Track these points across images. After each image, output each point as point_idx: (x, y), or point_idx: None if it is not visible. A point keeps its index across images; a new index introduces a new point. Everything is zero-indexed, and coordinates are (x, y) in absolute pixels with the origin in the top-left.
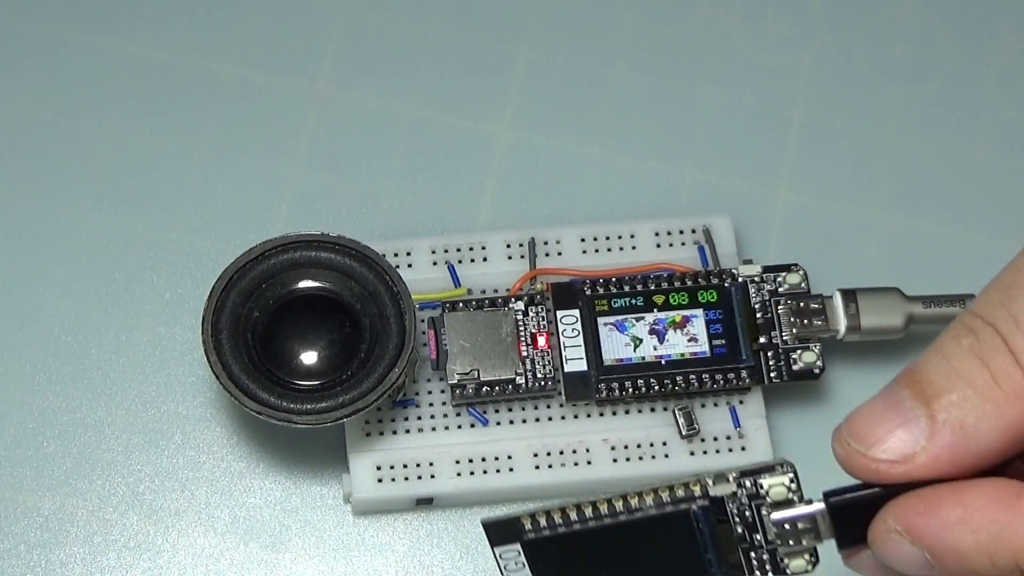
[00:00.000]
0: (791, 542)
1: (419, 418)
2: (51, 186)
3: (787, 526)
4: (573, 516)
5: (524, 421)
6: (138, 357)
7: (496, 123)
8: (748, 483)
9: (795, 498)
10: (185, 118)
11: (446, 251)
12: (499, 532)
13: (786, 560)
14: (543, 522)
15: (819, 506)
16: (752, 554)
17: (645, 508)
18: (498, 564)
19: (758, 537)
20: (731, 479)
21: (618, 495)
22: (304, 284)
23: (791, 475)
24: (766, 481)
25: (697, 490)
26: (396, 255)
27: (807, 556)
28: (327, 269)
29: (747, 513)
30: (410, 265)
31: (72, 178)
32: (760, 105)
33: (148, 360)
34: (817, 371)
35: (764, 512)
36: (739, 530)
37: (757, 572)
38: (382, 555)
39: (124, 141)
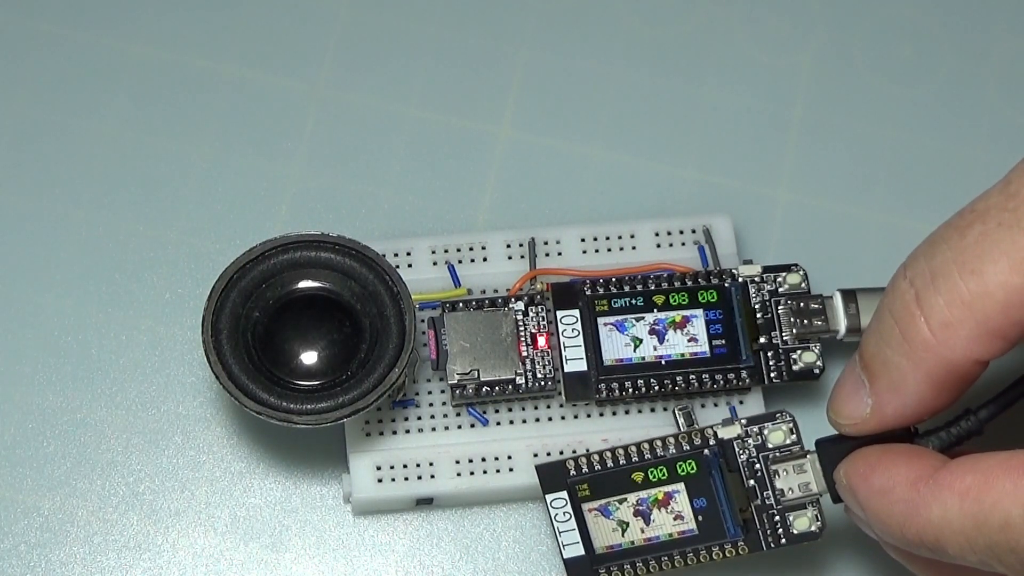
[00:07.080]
0: (790, 492)
1: (419, 418)
2: (51, 186)
3: (786, 472)
4: (608, 459)
5: (524, 421)
6: (138, 357)
7: (496, 123)
8: (754, 429)
9: (793, 445)
10: (185, 118)
11: (446, 251)
12: (549, 477)
13: (792, 520)
14: (584, 465)
15: (812, 457)
16: (764, 515)
17: (668, 453)
18: (549, 514)
19: (767, 495)
20: (737, 424)
21: (645, 440)
22: (304, 284)
23: (791, 424)
24: (767, 427)
25: (710, 435)
26: (396, 255)
27: (811, 515)
28: (327, 269)
29: (756, 466)
30: (410, 265)
31: (72, 178)
32: (760, 105)
33: (148, 360)
34: (817, 371)
35: (769, 464)
36: (750, 483)
37: (768, 530)
38: (382, 555)
39: (124, 141)
